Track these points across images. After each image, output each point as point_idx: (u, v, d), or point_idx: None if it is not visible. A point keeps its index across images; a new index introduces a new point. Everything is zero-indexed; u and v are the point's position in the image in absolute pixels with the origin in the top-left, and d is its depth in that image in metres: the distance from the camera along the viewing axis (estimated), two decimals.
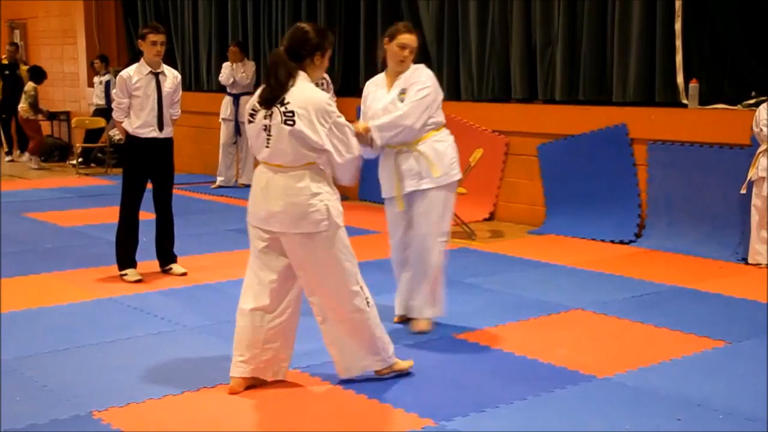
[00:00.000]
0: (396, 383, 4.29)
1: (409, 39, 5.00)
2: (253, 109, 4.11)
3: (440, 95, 5.11)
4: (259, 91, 4.14)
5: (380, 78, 5.16)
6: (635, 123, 7.84)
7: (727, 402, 4.06)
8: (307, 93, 4.03)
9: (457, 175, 5.12)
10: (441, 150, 5.05)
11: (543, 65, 8.72)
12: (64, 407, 4.00)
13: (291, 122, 3.98)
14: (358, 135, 4.38)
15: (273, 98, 4.03)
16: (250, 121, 4.13)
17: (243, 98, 10.96)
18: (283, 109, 4.00)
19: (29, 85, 13.85)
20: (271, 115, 4.03)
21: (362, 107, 5.17)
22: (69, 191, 11.14)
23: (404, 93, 4.97)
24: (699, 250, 7.27)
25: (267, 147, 4.06)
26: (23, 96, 13.81)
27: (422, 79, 5.01)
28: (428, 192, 5.02)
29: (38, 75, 14.03)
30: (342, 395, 4.16)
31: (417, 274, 5.13)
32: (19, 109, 13.81)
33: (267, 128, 4.03)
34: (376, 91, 5.09)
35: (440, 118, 5.11)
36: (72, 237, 8.13)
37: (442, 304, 5.22)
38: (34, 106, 13.77)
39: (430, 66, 9.87)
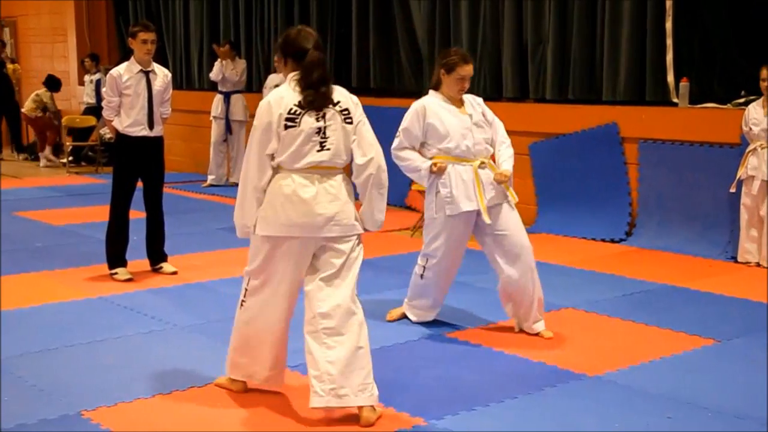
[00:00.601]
0: (388, 382, 4.28)
1: (468, 71, 5.11)
2: (292, 113, 3.81)
3: None
4: (290, 94, 3.84)
5: (438, 99, 5.15)
6: (626, 122, 7.85)
7: (716, 400, 4.08)
8: (342, 91, 4.00)
9: None
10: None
11: (534, 64, 8.73)
12: (53, 407, 3.99)
13: (349, 120, 3.92)
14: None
15: (326, 99, 3.88)
16: (289, 126, 3.80)
17: (233, 96, 10.94)
18: (338, 108, 3.90)
19: (42, 91, 13.84)
20: (324, 116, 3.85)
21: (417, 123, 5.12)
22: (59, 190, 11.11)
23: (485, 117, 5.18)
24: (689, 248, 7.29)
25: (323, 150, 3.84)
26: (31, 97, 13.80)
27: (485, 106, 5.26)
28: (510, 203, 5.11)
29: (53, 84, 13.99)
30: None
31: (528, 289, 5.05)
32: (24, 110, 13.80)
33: (321, 130, 3.86)
34: (441, 112, 5.09)
35: None
36: (62, 236, 8.11)
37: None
38: (44, 110, 13.77)
39: (422, 65, 9.99)
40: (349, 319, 3.82)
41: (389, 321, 5.33)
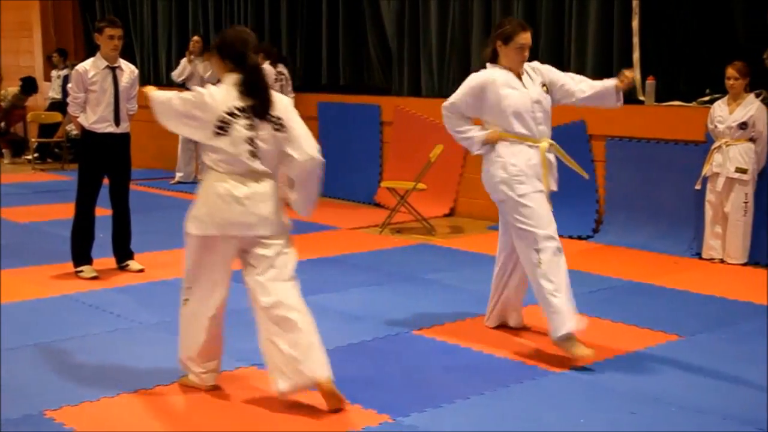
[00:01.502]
0: (355, 379, 4.28)
1: (527, 39, 4.71)
2: (231, 115, 3.88)
3: None
4: (233, 99, 3.89)
5: (498, 72, 4.76)
6: (593, 119, 7.90)
7: (681, 395, 4.12)
8: (277, 96, 4.03)
9: None
10: None
11: None
12: (15, 406, 3.93)
13: (280, 127, 3.95)
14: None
15: (267, 106, 3.93)
16: (223, 130, 3.87)
17: None
18: (273, 114, 3.94)
19: (10, 90, 13.69)
20: (256, 125, 3.90)
21: (471, 99, 4.78)
22: (24, 187, 10.98)
23: (545, 86, 4.83)
24: (655, 245, 7.36)
25: (254, 158, 3.91)
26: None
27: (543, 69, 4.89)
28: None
29: (29, 87, 13.84)
30: (300, 392, 4.14)
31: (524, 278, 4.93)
32: None
33: (252, 140, 3.89)
34: (504, 86, 4.71)
35: None
36: (27, 233, 8.02)
37: None
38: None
39: (391, 62, 10.00)
40: (294, 310, 3.93)
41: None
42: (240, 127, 3.89)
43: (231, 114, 3.88)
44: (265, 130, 3.93)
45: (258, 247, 3.97)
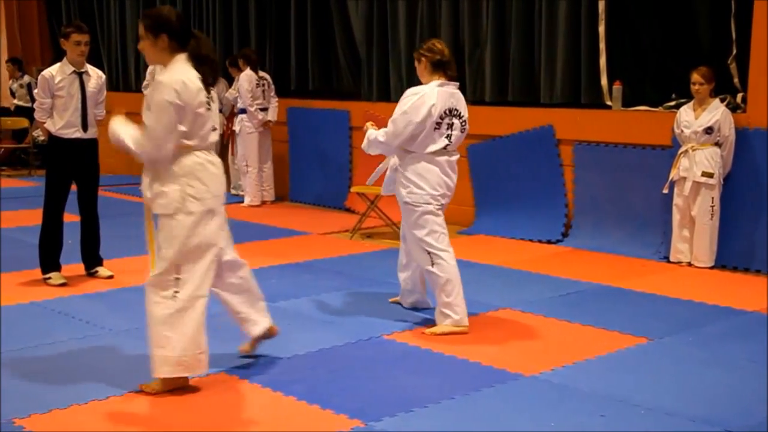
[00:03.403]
0: (326, 384, 4.29)
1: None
2: (206, 96, 4.15)
3: None
4: (198, 76, 4.11)
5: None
6: (562, 124, 7.97)
7: (649, 398, 4.16)
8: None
9: None
10: None
11: (472, 67, 8.81)
12: None
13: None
14: None
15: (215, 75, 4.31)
16: (210, 106, 4.17)
17: None
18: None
19: None
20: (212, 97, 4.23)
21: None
22: None
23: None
24: (623, 249, 7.43)
25: (215, 130, 4.25)
26: None
27: None
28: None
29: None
30: (271, 397, 4.14)
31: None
32: None
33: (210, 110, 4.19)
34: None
35: None
36: None
37: None
38: None
39: (360, 67, 10.01)
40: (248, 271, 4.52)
41: None
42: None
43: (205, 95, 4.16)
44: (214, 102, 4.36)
45: None
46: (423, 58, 5.29)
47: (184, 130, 4.06)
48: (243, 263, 4.49)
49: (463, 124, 5.30)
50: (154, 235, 4.27)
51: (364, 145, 5.51)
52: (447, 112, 5.19)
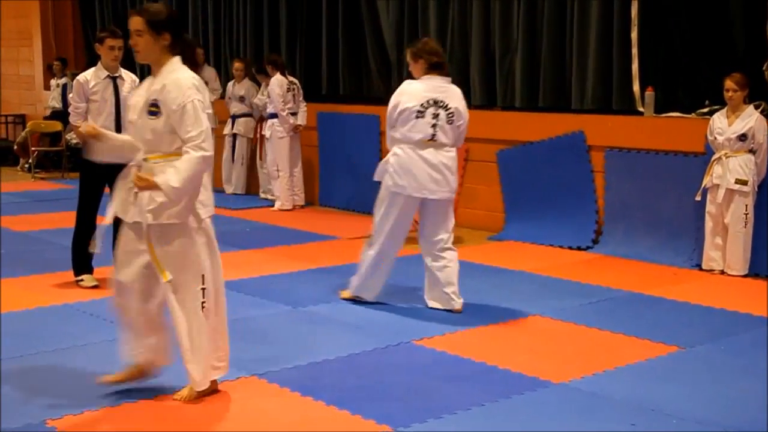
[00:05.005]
0: (355, 390, 4.29)
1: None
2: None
3: None
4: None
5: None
6: (592, 130, 7.92)
7: (680, 407, 4.12)
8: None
9: None
10: None
11: (502, 72, 8.79)
12: (17, 416, 3.93)
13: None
14: None
15: None
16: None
17: None
18: None
19: None
20: None
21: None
22: (24, 195, 10.99)
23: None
24: (654, 256, 7.36)
25: None
26: None
27: None
28: None
29: None
30: (300, 402, 4.15)
31: None
32: None
33: None
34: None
35: None
36: (27, 242, 8.02)
37: None
38: None
39: (390, 72, 10.01)
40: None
41: None
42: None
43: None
44: None
45: None
46: (421, 59, 5.51)
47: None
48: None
49: (450, 116, 5.50)
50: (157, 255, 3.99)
51: (387, 141, 5.76)
52: (431, 101, 5.45)
